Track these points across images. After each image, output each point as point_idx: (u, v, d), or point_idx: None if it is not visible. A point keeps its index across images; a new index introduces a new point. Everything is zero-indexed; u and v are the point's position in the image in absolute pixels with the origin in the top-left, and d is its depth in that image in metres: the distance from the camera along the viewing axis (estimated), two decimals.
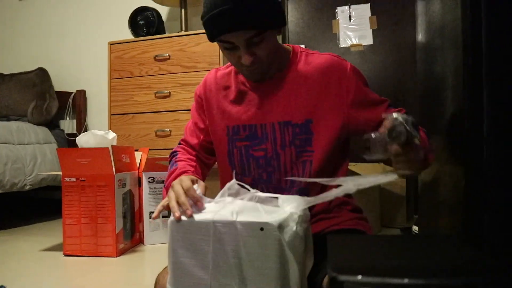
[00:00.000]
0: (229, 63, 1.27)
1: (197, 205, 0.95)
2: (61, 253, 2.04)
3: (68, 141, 3.40)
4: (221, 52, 2.58)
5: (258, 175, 1.20)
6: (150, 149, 2.53)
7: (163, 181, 2.21)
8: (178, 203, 0.96)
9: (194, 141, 1.31)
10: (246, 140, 1.21)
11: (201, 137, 1.30)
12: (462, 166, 1.19)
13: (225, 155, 1.24)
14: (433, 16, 1.56)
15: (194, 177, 1.06)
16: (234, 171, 1.19)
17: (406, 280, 0.64)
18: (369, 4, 2.94)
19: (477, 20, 1.04)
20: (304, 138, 1.15)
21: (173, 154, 1.32)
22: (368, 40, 2.94)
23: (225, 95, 1.25)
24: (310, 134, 1.15)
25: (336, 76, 1.15)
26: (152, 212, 2.20)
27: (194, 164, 1.25)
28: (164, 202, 1.02)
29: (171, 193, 1.01)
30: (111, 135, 2.12)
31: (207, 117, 1.28)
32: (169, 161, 1.32)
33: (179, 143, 1.36)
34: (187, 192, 0.97)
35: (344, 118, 1.16)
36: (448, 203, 1.39)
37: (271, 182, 1.18)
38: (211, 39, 1.08)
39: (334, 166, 1.20)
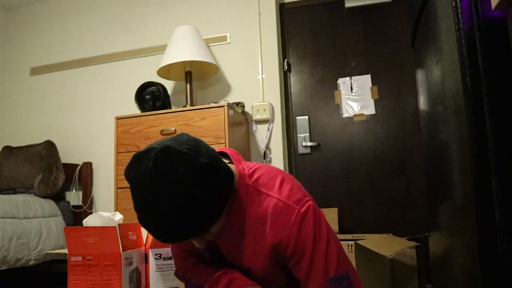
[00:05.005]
0: None
1: None
2: None
3: (74, 214, 3.39)
4: (227, 127, 2.64)
5: None
6: None
7: (170, 258, 2.18)
8: None
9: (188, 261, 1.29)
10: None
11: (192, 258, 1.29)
12: (475, 243, 1.18)
13: None
14: (433, 85, 1.60)
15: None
16: None
17: None
18: (369, 75, 3.03)
19: (477, 88, 1.06)
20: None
21: (186, 280, 1.27)
22: (371, 110, 3.00)
23: None
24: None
25: (281, 231, 1.04)
26: None
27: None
28: None
29: None
30: (118, 216, 2.12)
31: None
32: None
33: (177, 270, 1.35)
34: None
35: (282, 265, 1.11)
36: (463, 278, 1.36)
37: None
38: None
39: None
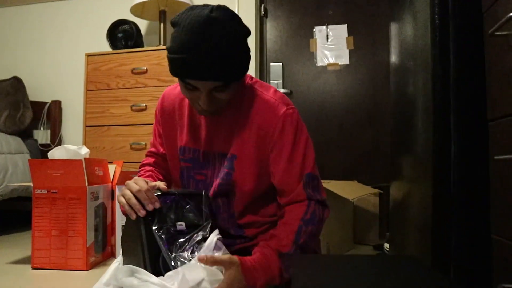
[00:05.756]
0: None
1: (154, 204, 1.02)
2: (29, 266, 1.99)
3: (42, 152, 3.35)
4: None
5: None
6: (124, 162, 2.52)
7: None
8: (130, 205, 1.02)
9: (161, 149, 1.38)
10: (189, 162, 1.27)
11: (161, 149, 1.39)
12: (430, 186, 1.22)
13: (177, 172, 1.32)
14: (405, 39, 1.61)
15: (144, 179, 1.11)
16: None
17: None
18: (346, 25, 3.01)
19: (445, 46, 1.08)
20: (227, 172, 1.20)
21: (138, 172, 1.39)
22: (345, 60, 3.00)
23: (181, 114, 1.29)
24: (232, 170, 1.20)
25: (268, 121, 1.17)
26: None
27: (151, 174, 1.33)
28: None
29: (120, 198, 1.06)
30: (84, 150, 2.10)
31: (163, 133, 1.34)
32: None
33: (146, 155, 1.44)
34: (137, 193, 1.02)
35: (264, 161, 1.20)
36: (417, 222, 1.42)
37: None
38: (174, 75, 1.09)
39: (262, 201, 1.25)
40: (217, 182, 1.21)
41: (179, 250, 1.01)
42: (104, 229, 2.14)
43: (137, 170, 1.48)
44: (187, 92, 1.11)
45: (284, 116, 1.17)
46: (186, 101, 1.29)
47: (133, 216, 1.02)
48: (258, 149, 1.18)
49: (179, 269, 0.89)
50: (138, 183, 1.06)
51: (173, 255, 0.99)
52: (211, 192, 1.23)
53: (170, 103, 1.32)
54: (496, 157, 0.87)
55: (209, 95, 1.07)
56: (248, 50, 1.10)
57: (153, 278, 0.90)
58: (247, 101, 1.20)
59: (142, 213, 1.01)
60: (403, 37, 1.65)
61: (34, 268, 1.97)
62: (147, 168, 1.37)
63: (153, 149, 1.40)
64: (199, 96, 1.08)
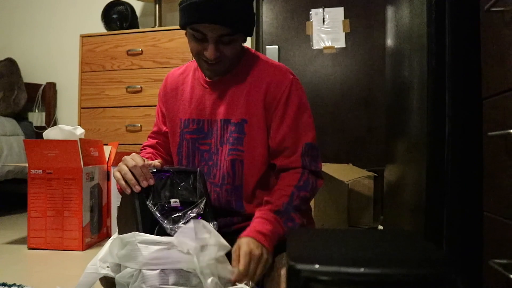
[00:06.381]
0: (190, 62, 1.35)
1: (149, 181, 1.03)
2: (25, 246, 2.00)
3: (37, 134, 3.34)
4: None
5: (201, 168, 1.26)
6: (120, 144, 2.51)
7: None
8: (125, 180, 1.03)
9: (164, 128, 1.39)
10: (193, 133, 1.28)
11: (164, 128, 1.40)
12: (424, 166, 1.23)
13: (175, 146, 1.32)
14: (401, 21, 1.60)
15: (141, 156, 1.12)
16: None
17: (362, 269, 0.66)
18: (342, 8, 2.99)
19: (441, 26, 1.08)
20: (237, 137, 1.21)
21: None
22: (341, 43, 2.99)
23: (182, 90, 1.32)
24: (243, 134, 1.22)
25: (277, 86, 1.20)
26: None
27: (151, 156, 1.34)
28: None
29: (116, 173, 1.07)
30: (79, 130, 2.10)
31: (165, 111, 1.36)
32: None
33: (148, 136, 1.44)
34: (132, 169, 1.03)
35: (269, 125, 1.23)
36: (410, 204, 1.43)
37: (209, 176, 1.25)
38: (185, 24, 1.12)
39: (268, 170, 1.25)
40: (226, 148, 1.22)
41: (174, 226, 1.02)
42: (99, 210, 2.15)
43: (134, 151, 1.48)
44: (195, 45, 1.13)
45: (291, 83, 1.20)
46: (189, 78, 1.31)
47: (128, 191, 1.03)
48: (265, 114, 1.21)
49: (190, 224, 0.91)
50: (134, 158, 1.07)
51: (170, 227, 1.01)
52: (221, 160, 1.24)
53: (173, 82, 1.35)
54: (489, 134, 0.87)
55: (216, 44, 1.10)
56: (254, 12, 1.16)
57: (150, 236, 0.92)
58: (253, 68, 1.23)
59: (137, 188, 1.02)
60: (399, 18, 1.64)
61: (30, 248, 1.98)
62: (148, 149, 1.39)
63: (155, 129, 1.42)
64: (206, 48, 1.11)
